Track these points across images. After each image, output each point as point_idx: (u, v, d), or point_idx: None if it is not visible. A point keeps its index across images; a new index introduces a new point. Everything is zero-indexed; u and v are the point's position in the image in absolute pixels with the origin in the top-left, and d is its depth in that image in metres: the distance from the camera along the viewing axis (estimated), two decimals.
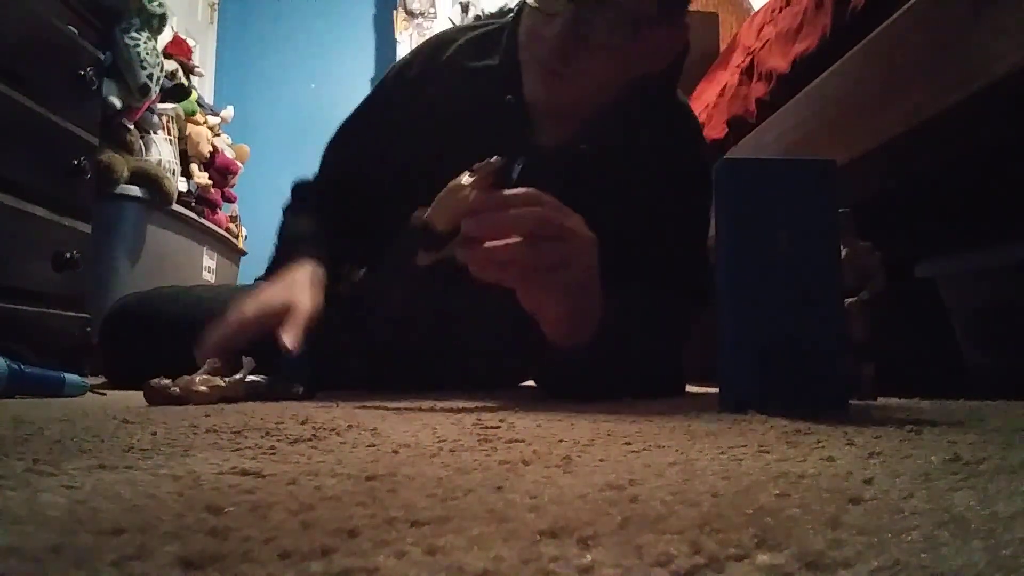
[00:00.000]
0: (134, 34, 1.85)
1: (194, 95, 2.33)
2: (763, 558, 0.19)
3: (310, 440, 0.43)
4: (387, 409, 0.66)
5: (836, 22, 1.06)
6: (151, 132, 2.07)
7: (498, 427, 0.51)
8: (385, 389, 1.03)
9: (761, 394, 0.61)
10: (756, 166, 0.67)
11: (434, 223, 0.65)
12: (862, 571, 0.18)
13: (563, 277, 0.67)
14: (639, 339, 0.82)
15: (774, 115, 1.26)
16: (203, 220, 2.36)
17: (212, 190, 2.43)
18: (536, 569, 0.18)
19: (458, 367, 1.08)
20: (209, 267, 2.45)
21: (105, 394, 0.89)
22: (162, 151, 2.08)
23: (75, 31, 1.40)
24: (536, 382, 1.07)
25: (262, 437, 0.44)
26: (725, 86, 1.53)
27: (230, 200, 2.69)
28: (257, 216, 3.22)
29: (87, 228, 1.43)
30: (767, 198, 0.64)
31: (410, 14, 3.92)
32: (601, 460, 0.35)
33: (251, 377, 0.77)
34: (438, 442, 0.42)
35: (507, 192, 0.65)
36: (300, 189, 1.10)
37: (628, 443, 0.42)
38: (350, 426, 0.51)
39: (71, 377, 0.84)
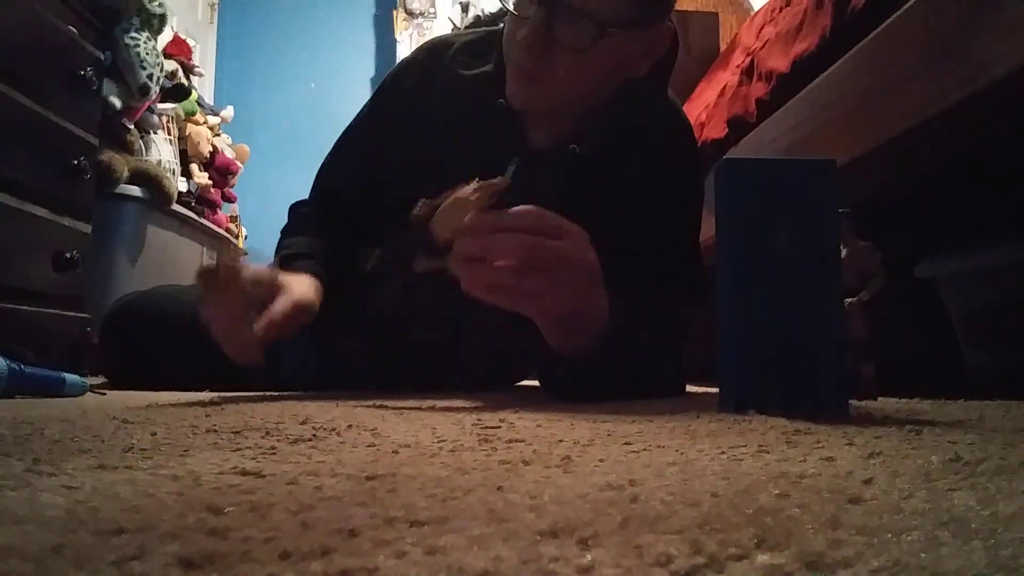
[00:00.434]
0: (134, 34, 1.85)
1: (194, 95, 2.33)
2: (763, 558, 0.19)
3: (310, 440, 0.43)
4: (387, 409, 0.66)
5: (836, 22, 1.06)
6: (151, 132, 2.07)
7: (498, 427, 0.51)
8: (386, 388, 1.03)
9: (761, 394, 0.61)
10: (756, 166, 0.67)
11: (435, 233, 0.65)
12: (862, 571, 0.18)
13: (552, 300, 0.68)
14: (642, 338, 0.83)
15: (774, 115, 1.26)
16: (203, 220, 2.35)
17: (212, 190, 2.43)
18: (536, 569, 0.18)
19: (458, 367, 1.08)
20: None
21: (105, 394, 0.89)
22: (162, 151, 2.08)
23: (75, 31, 1.40)
24: (539, 382, 1.07)
25: (262, 437, 0.44)
26: (725, 86, 1.53)
27: (230, 200, 2.69)
28: (257, 216, 3.22)
29: (87, 228, 1.43)
30: (767, 198, 0.64)
31: (410, 14, 3.92)
32: (601, 460, 0.35)
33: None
34: (438, 442, 0.42)
35: (505, 212, 0.65)
36: (297, 210, 1.09)
37: (628, 443, 0.42)
38: (350, 426, 0.51)
39: (71, 377, 0.84)
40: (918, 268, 1.10)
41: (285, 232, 1.06)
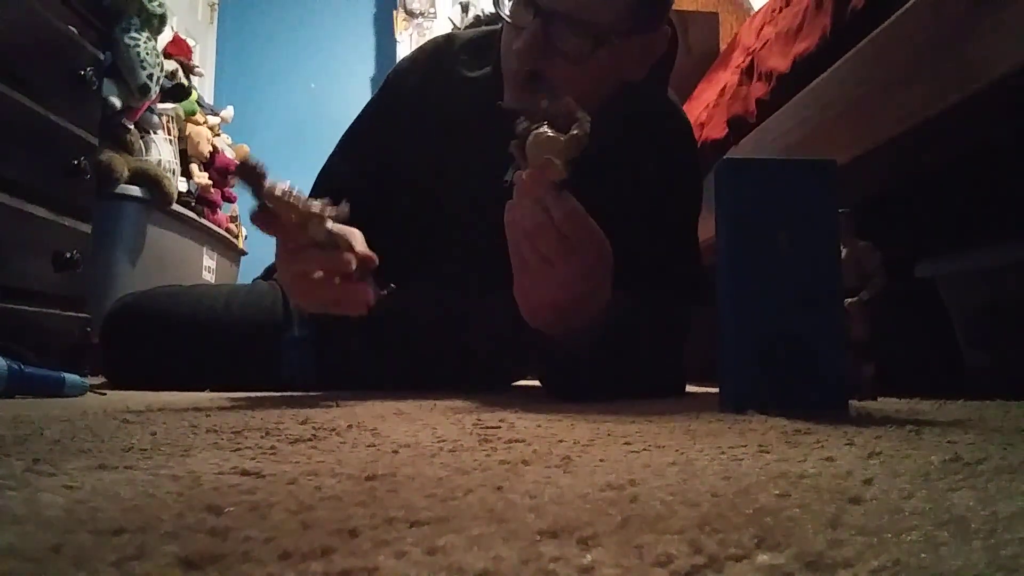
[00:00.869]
0: (134, 34, 1.85)
1: (194, 95, 2.33)
2: (763, 558, 0.19)
3: (310, 440, 0.43)
4: (387, 409, 0.66)
5: (836, 22, 1.06)
6: (151, 132, 2.07)
7: (498, 427, 0.51)
8: (386, 388, 1.03)
9: (761, 394, 0.61)
10: (756, 166, 0.67)
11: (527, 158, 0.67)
12: (862, 571, 0.18)
13: (564, 271, 0.68)
14: (642, 338, 0.83)
15: (774, 115, 1.26)
16: (203, 220, 2.35)
17: (212, 190, 2.43)
18: (536, 569, 0.18)
19: (458, 367, 1.08)
20: (209, 267, 2.45)
21: (105, 394, 0.88)
22: (162, 151, 2.08)
23: (75, 31, 1.40)
24: (540, 381, 1.07)
25: (262, 437, 0.44)
26: (725, 86, 1.53)
27: (230, 200, 2.69)
28: None
29: (87, 228, 1.43)
30: (767, 198, 0.64)
31: (410, 14, 3.92)
32: (601, 460, 0.35)
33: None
34: (438, 442, 0.42)
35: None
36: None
37: (628, 443, 0.42)
38: (350, 426, 0.51)
39: (71, 377, 0.84)
40: (918, 268, 1.10)
41: None
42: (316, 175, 1.10)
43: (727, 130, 1.47)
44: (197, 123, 2.37)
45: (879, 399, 0.82)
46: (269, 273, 1.26)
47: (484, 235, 0.98)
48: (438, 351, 1.06)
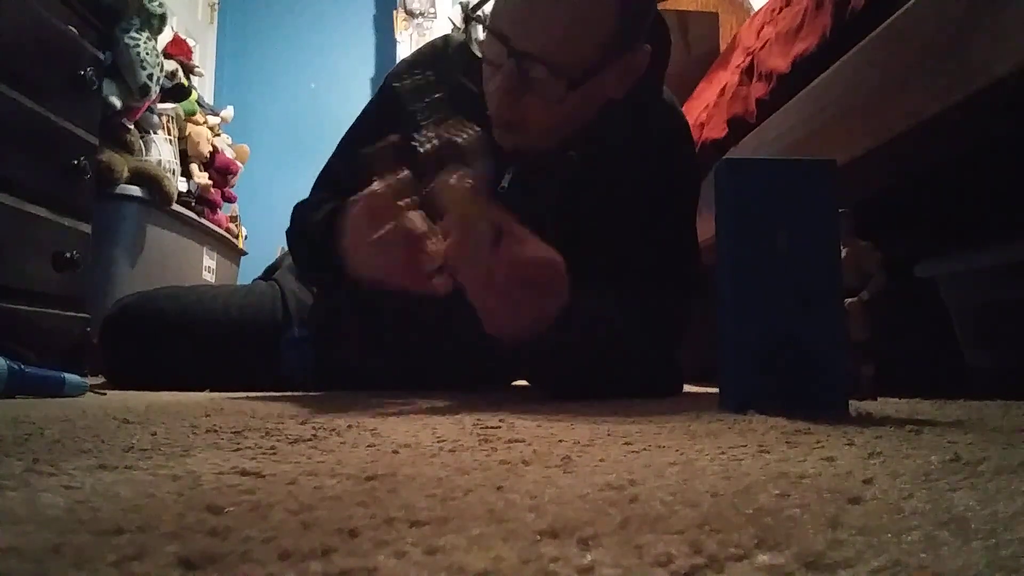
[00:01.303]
0: (134, 34, 1.85)
1: (194, 95, 2.33)
2: (763, 558, 0.19)
3: (310, 440, 0.43)
4: (387, 409, 0.66)
5: (836, 22, 1.06)
6: (151, 132, 2.07)
7: (498, 427, 0.51)
8: (386, 388, 1.03)
9: (761, 394, 0.61)
10: (756, 166, 0.67)
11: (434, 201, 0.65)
12: (862, 571, 0.18)
13: (508, 322, 0.69)
14: (627, 334, 0.82)
15: (774, 115, 1.26)
16: (203, 220, 2.35)
17: (212, 190, 2.43)
18: (536, 569, 0.18)
19: (458, 367, 1.08)
20: (209, 267, 2.45)
21: (105, 394, 0.88)
22: (162, 151, 2.08)
23: (75, 31, 1.39)
24: (527, 380, 1.08)
25: (262, 437, 0.44)
26: (725, 86, 1.53)
27: (230, 200, 2.69)
28: (257, 216, 3.22)
29: (87, 228, 1.43)
30: (767, 198, 0.64)
31: (410, 14, 3.92)
32: (601, 460, 0.35)
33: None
34: (438, 442, 0.42)
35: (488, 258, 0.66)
36: (300, 209, 1.09)
37: (628, 443, 0.42)
38: (350, 426, 0.51)
39: (71, 377, 0.84)
40: (918, 268, 1.10)
41: (295, 223, 1.04)
42: (316, 176, 1.10)
43: (727, 130, 1.47)
44: (197, 123, 2.37)
45: (879, 399, 0.82)
46: (269, 273, 1.26)
47: None
48: (437, 351, 1.06)
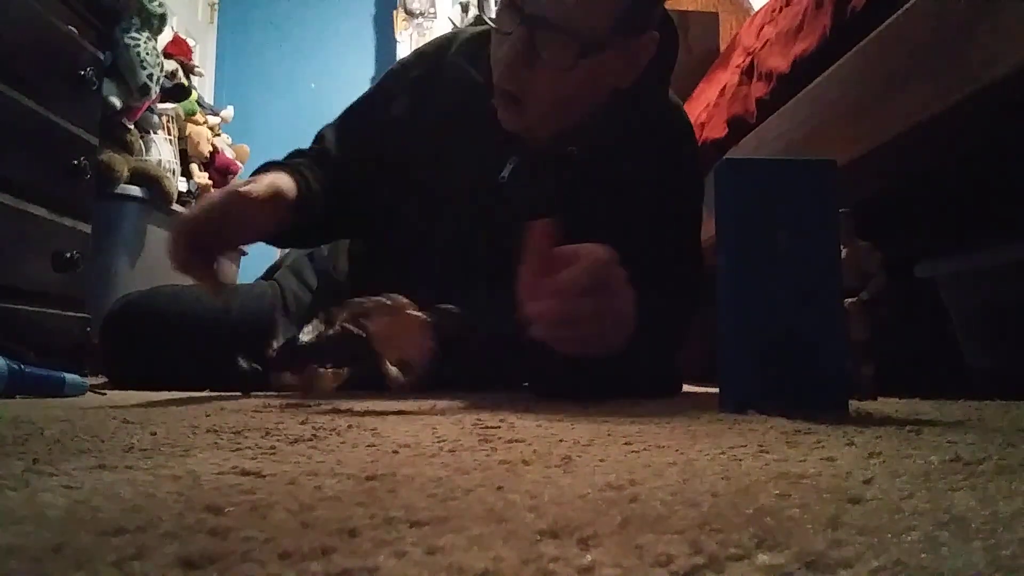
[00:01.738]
0: (134, 34, 1.85)
1: (194, 95, 2.33)
2: (763, 558, 0.19)
3: (310, 440, 0.43)
4: (387, 409, 0.66)
5: (836, 22, 1.06)
6: (151, 132, 2.07)
7: (498, 427, 0.51)
8: (385, 387, 1.03)
9: (761, 394, 0.61)
10: (756, 166, 0.67)
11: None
12: (862, 571, 0.18)
13: (579, 348, 0.69)
14: (640, 344, 0.83)
15: (774, 115, 1.26)
16: None
17: (212, 190, 2.43)
18: (536, 569, 0.18)
19: (458, 367, 1.08)
20: None
21: (105, 394, 0.88)
22: (162, 151, 2.08)
23: (75, 31, 1.39)
24: (527, 383, 1.07)
25: (262, 437, 0.44)
26: (725, 86, 1.53)
27: None
28: None
29: (87, 228, 1.43)
30: (767, 198, 0.64)
31: (410, 14, 3.92)
32: (601, 460, 0.35)
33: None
34: (438, 442, 0.42)
35: (560, 274, 0.66)
36: (295, 153, 1.09)
37: (628, 443, 0.42)
38: (350, 426, 0.51)
39: (71, 377, 0.84)
40: (918, 268, 1.10)
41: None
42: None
43: (727, 130, 1.47)
44: (197, 123, 2.37)
45: (879, 399, 0.82)
46: (270, 273, 1.26)
47: (479, 229, 0.98)
48: (437, 350, 1.06)
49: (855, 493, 0.27)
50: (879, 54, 0.94)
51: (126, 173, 1.86)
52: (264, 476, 0.30)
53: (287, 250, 1.32)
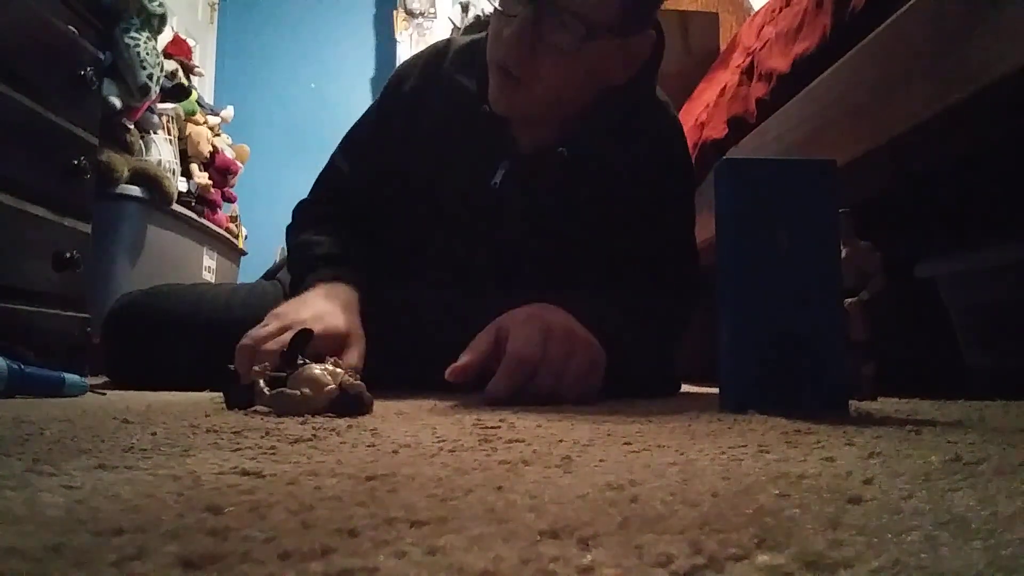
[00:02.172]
0: (134, 34, 1.85)
1: (194, 95, 2.33)
2: (763, 558, 0.19)
3: (310, 440, 0.43)
4: (387, 409, 0.66)
5: (836, 22, 1.06)
6: (151, 132, 2.07)
7: (498, 427, 0.51)
8: (386, 388, 1.03)
9: (761, 394, 0.61)
10: (756, 166, 0.67)
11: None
12: (862, 571, 0.18)
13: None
14: (628, 341, 0.83)
15: (774, 115, 1.26)
16: (203, 220, 2.35)
17: (212, 190, 2.43)
18: (536, 569, 0.18)
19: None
20: (209, 267, 2.45)
21: (105, 394, 0.88)
22: (162, 151, 2.08)
23: (75, 31, 1.39)
24: None
25: (262, 437, 0.44)
26: (725, 86, 1.53)
27: (230, 200, 2.69)
28: (257, 216, 3.22)
29: (87, 228, 1.43)
30: (767, 198, 0.64)
31: (410, 14, 3.92)
32: (601, 460, 0.35)
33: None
34: (438, 442, 0.42)
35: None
36: (303, 208, 1.09)
37: (628, 443, 0.42)
38: (350, 426, 0.51)
39: (71, 377, 0.84)
40: (918, 268, 1.10)
41: (294, 229, 1.04)
42: (317, 174, 1.11)
43: (727, 130, 1.47)
44: (197, 123, 2.37)
45: (879, 399, 0.82)
46: (270, 276, 1.26)
47: (476, 236, 0.98)
48: (436, 350, 1.06)
49: (855, 493, 0.27)
50: (879, 54, 0.94)
51: (126, 173, 1.86)
52: (264, 476, 0.30)
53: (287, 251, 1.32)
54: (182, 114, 2.26)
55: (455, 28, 3.49)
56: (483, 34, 1.04)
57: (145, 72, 1.85)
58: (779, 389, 0.61)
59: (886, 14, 0.93)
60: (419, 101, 1.02)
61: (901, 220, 1.30)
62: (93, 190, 1.49)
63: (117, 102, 1.83)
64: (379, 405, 0.66)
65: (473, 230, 0.98)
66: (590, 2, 0.81)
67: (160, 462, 0.34)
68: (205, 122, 2.44)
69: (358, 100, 1.15)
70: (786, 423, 0.51)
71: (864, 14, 0.99)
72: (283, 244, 1.10)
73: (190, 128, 2.32)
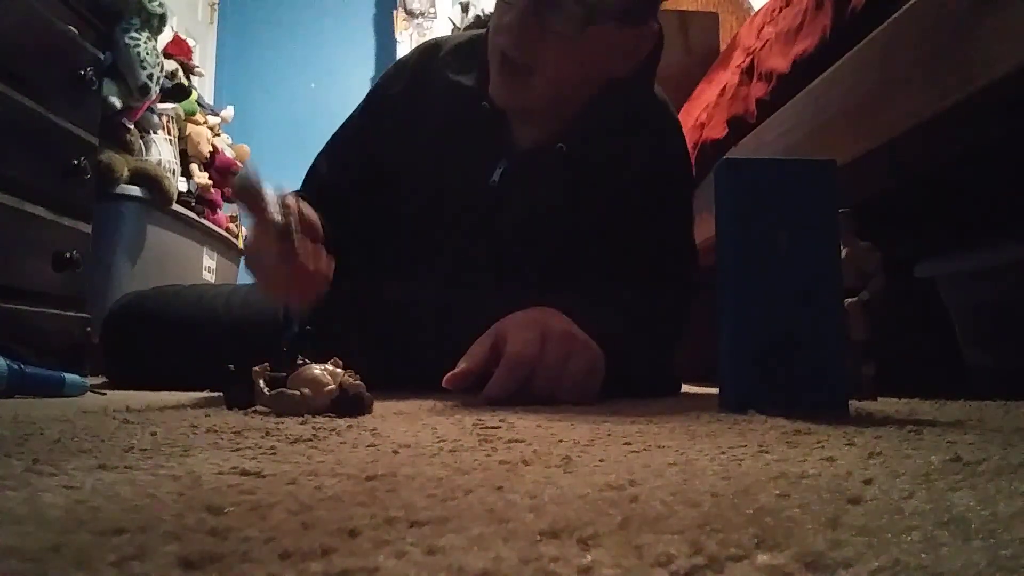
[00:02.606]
0: (134, 34, 1.85)
1: (194, 95, 2.33)
2: (763, 558, 0.19)
3: (310, 440, 0.43)
4: (387, 409, 0.66)
5: (836, 22, 1.06)
6: (151, 132, 2.07)
7: (498, 427, 0.51)
8: (385, 387, 1.03)
9: (761, 394, 0.61)
10: (756, 166, 0.67)
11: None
12: (862, 571, 0.18)
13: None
14: (628, 341, 0.83)
15: (774, 115, 1.26)
16: (203, 220, 2.35)
17: (212, 190, 2.43)
18: (536, 569, 0.18)
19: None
20: (209, 267, 2.45)
21: (105, 394, 0.88)
22: (162, 151, 2.08)
23: (75, 31, 1.39)
24: None
25: (262, 437, 0.44)
26: (725, 86, 1.53)
27: (230, 200, 2.69)
28: None
29: (87, 228, 1.43)
30: (767, 198, 0.64)
31: (410, 14, 3.92)
32: (601, 460, 0.35)
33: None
34: (438, 442, 0.42)
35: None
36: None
37: (628, 443, 0.42)
38: (350, 426, 0.51)
39: (71, 377, 0.84)
40: (918, 268, 1.10)
41: None
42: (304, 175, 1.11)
43: (727, 130, 1.47)
44: (197, 123, 2.37)
45: (879, 399, 0.82)
46: None
47: (472, 235, 0.98)
48: (435, 350, 1.06)
49: (855, 493, 0.27)
50: (879, 54, 0.94)
51: (126, 173, 1.86)
52: (264, 476, 0.30)
53: None
54: (182, 114, 2.26)
55: (455, 28, 3.49)
56: (482, 31, 1.04)
57: (145, 72, 1.85)
58: (779, 389, 0.61)
59: (886, 14, 0.93)
60: (412, 102, 1.02)
61: (901, 220, 1.30)
62: (93, 190, 1.49)
63: (117, 102, 1.83)
64: (379, 405, 0.66)
65: (471, 228, 0.98)
66: None
67: (160, 462, 0.34)
68: (205, 122, 2.44)
69: (358, 100, 1.15)
70: (786, 423, 0.51)
71: (864, 14, 0.99)
72: None
73: (190, 128, 2.32)
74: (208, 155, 2.41)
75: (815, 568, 0.18)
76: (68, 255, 1.31)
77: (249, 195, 0.69)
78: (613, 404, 0.73)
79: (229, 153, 2.59)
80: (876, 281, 0.85)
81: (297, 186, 1.12)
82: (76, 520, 0.22)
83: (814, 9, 1.14)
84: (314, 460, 0.35)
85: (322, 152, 1.10)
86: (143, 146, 2.01)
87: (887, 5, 0.94)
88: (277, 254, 0.69)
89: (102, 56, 1.52)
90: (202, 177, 2.36)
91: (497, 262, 0.98)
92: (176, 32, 2.47)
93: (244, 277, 2.69)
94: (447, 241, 1.00)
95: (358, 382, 0.62)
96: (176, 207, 2.11)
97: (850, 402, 0.65)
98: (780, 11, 1.33)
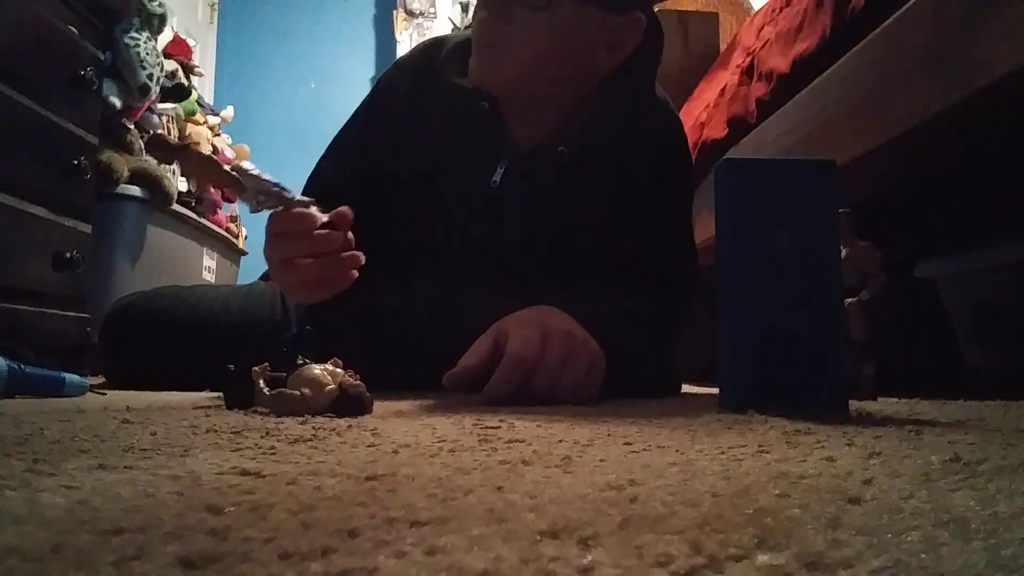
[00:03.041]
0: (134, 34, 1.85)
1: (194, 95, 2.33)
2: (763, 558, 0.19)
3: (310, 440, 0.43)
4: (387, 409, 0.66)
5: (836, 22, 1.06)
6: (151, 132, 2.07)
7: (498, 427, 0.51)
8: (386, 388, 1.03)
9: (761, 394, 0.61)
10: (756, 166, 0.67)
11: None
12: (862, 571, 0.18)
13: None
14: (628, 341, 0.83)
15: (774, 115, 1.26)
16: (203, 220, 2.35)
17: (212, 190, 2.43)
18: (536, 569, 0.18)
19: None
20: (209, 267, 2.45)
21: (105, 394, 0.88)
22: None
23: (75, 31, 1.39)
24: None
25: (262, 437, 0.44)
26: (725, 86, 1.53)
27: (230, 200, 2.69)
28: (257, 216, 3.22)
29: (87, 228, 1.43)
30: (767, 198, 0.64)
31: (410, 14, 3.92)
32: (601, 460, 0.35)
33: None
34: (438, 442, 0.42)
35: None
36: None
37: (628, 443, 0.42)
38: (350, 426, 0.51)
39: (71, 377, 0.84)
40: (918, 268, 1.10)
41: None
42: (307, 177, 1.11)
43: (727, 130, 1.47)
44: (197, 123, 2.37)
45: (879, 399, 0.82)
46: (269, 276, 1.26)
47: (474, 235, 0.98)
48: (436, 350, 1.06)
49: (855, 493, 0.27)
50: (879, 54, 0.94)
51: (126, 173, 1.86)
52: (264, 476, 0.30)
53: None
54: (182, 114, 2.26)
55: (455, 28, 3.49)
56: None
57: (145, 72, 1.85)
58: (779, 389, 0.61)
59: (886, 14, 0.93)
60: (413, 103, 1.02)
61: (901, 220, 1.30)
62: (93, 190, 1.49)
63: (117, 102, 1.83)
64: (379, 405, 0.66)
65: (473, 229, 0.98)
66: None
67: (160, 462, 0.34)
68: (205, 122, 2.44)
69: (358, 100, 1.15)
70: (786, 423, 0.51)
71: (864, 14, 0.99)
72: None
73: (190, 128, 2.32)
74: None
75: (815, 568, 0.18)
76: (68, 255, 1.31)
77: (263, 191, 0.70)
78: (613, 404, 0.73)
79: (229, 153, 2.59)
80: (876, 281, 0.85)
81: (298, 184, 1.13)
82: (76, 520, 0.22)
83: (814, 9, 1.14)
84: (314, 460, 0.35)
85: (325, 155, 1.10)
86: (143, 146, 2.01)
87: (887, 5, 0.94)
88: (313, 243, 0.75)
89: (102, 56, 1.52)
90: None
91: (498, 262, 0.98)
92: (176, 32, 2.47)
93: (244, 277, 2.70)
94: (448, 241, 1.00)
95: (358, 382, 0.62)
96: (176, 207, 2.11)
97: (850, 402, 0.65)
98: (780, 11, 1.33)
